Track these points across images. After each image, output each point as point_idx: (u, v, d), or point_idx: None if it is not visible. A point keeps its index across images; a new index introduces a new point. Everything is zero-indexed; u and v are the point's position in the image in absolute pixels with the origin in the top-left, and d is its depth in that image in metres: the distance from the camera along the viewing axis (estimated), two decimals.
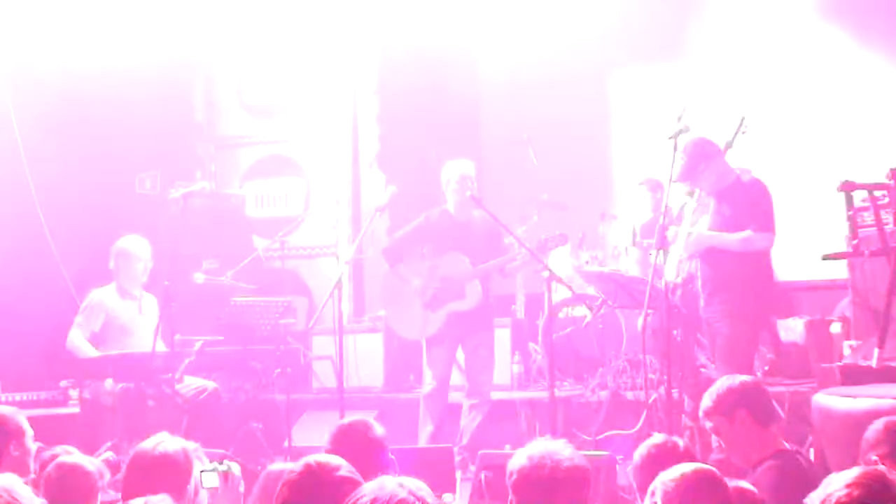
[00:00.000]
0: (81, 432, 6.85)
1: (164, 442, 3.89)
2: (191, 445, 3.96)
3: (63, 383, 7.68)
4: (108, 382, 6.77)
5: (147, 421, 6.59)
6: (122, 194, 8.67)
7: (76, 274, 8.07)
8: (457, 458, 6.51)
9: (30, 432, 4.69)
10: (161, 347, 6.72)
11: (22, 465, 4.53)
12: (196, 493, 3.84)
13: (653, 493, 3.39)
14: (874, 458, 4.00)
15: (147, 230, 7.59)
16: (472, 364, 7.01)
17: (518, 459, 3.58)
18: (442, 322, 6.92)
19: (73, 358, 7.07)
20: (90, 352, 7.00)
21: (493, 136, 9.71)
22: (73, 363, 7.06)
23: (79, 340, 7.07)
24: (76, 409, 7.28)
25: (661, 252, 5.88)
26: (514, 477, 3.56)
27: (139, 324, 7.17)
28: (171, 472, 3.80)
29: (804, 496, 2.84)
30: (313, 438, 6.44)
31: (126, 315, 7.21)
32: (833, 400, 5.10)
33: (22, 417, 4.74)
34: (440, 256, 6.96)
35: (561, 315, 7.88)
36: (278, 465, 4.54)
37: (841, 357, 6.20)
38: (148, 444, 3.90)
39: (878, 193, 5.81)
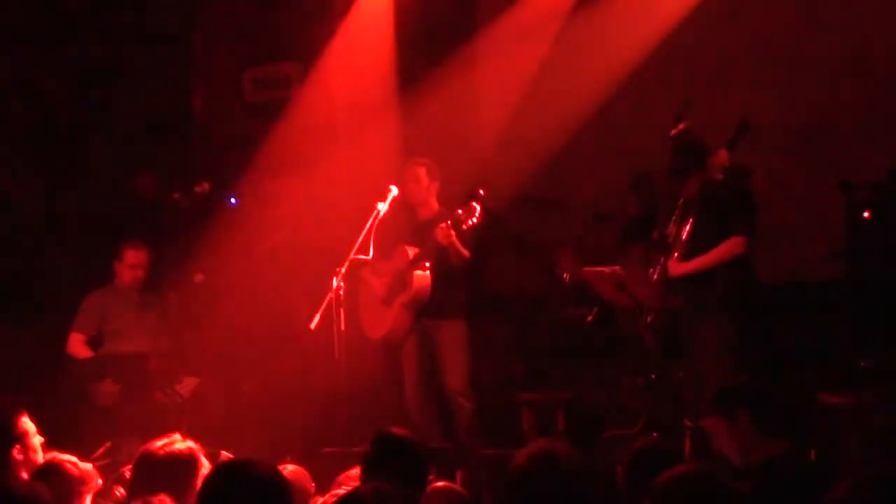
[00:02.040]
0: (81, 433, 6.84)
1: (173, 442, 3.90)
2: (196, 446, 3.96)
3: (63, 385, 7.67)
4: (108, 383, 6.77)
5: (147, 421, 6.59)
6: (121, 195, 8.66)
7: (75, 275, 8.07)
8: (455, 459, 6.52)
9: (32, 430, 4.68)
10: (160, 348, 6.72)
11: (28, 465, 4.52)
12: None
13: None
14: None
15: (147, 231, 7.58)
16: (438, 367, 6.93)
17: (517, 460, 3.58)
18: (395, 317, 6.85)
19: (72, 359, 7.08)
20: (89, 353, 7.01)
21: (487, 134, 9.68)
22: (73, 364, 7.06)
23: (78, 342, 7.08)
24: (76, 410, 7.28)
25: (661, 251, 5.87)
26: (514, 477, 3.56)
27: (138, 325, 7.17)
28: (177, 473, 3.80)
29: (805, 497, 2.84)
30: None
31: (125, 316, 7.21)
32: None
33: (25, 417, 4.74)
34: (393, 253, 6.93)
35: (561, 315, 7.87)
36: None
37: None
38: (156, 444, 3.91)
39: None
